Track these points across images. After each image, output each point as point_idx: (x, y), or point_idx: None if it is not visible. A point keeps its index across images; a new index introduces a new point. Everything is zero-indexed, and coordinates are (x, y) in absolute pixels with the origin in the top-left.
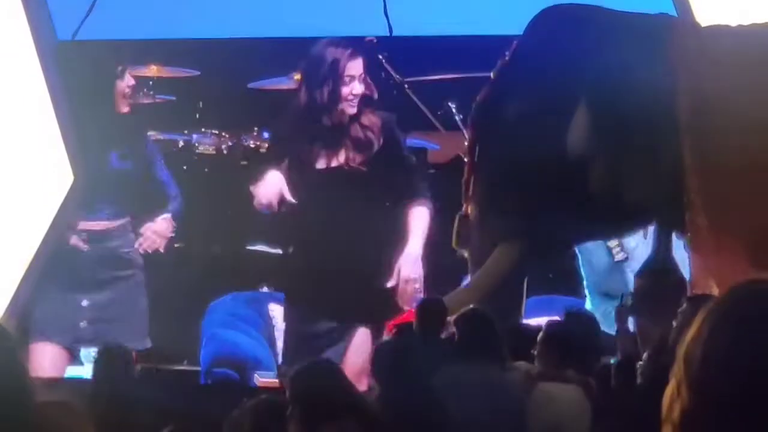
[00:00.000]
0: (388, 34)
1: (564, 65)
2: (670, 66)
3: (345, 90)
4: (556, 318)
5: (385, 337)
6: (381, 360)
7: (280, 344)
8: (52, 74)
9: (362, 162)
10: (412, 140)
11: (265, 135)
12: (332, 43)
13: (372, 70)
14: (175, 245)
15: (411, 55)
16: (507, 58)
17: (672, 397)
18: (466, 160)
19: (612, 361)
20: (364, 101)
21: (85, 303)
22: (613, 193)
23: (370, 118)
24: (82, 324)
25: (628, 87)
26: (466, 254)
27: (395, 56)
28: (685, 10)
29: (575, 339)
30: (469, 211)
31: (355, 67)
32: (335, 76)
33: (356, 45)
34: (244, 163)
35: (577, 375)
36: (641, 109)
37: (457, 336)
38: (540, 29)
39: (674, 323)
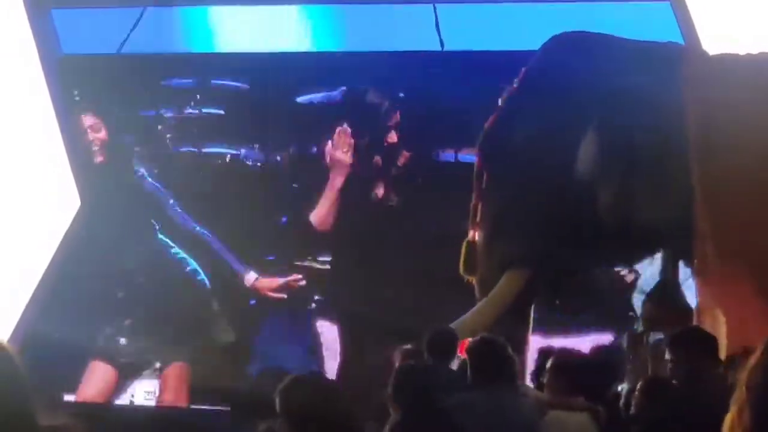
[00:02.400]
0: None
1: (573, 92)
2: (678, 93)
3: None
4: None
5: (400, 363)
6: (399, 385)
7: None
8: (56, 93)
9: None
10: (464, 156)
11: (314, 150)
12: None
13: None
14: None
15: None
16: (516, 84)
17: (733, 422)
18: (474, 185)
19: (620, 388)
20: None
21: None
22: (621, 220)
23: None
24: None
25: (637, 114)
26: (473, 280)
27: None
28: (692, 39)
29: (585, 366)
30: (476, 237)
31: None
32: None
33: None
34: (296, 186)
35: (585, 402)
36: (650, 137)
37: (470, 363)
38: (549, 56)
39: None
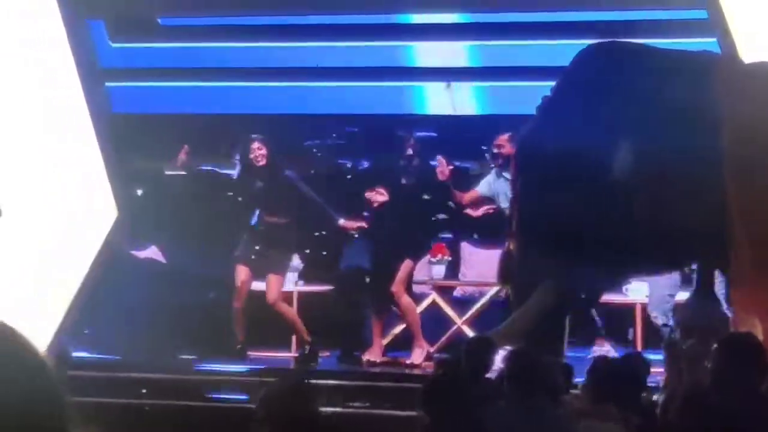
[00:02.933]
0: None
1: (607, 101)
2: (713, 102)
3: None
4: (606, 357)
5: (434, 371)
6: (431, 395)
7: None
8: (96, 110)
9: None
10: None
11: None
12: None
13: None
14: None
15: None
16: (550, 93)
17: None
18: (510, 195)
19: (655, 397)
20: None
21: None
22: (656, 229)
23: None
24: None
25: (672, 123)
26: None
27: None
28: (728, 47)
29: (620, 376)
30: (512, 247)
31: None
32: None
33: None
34: None
35: (619, 412)
36: (685, 146)
37: (506, 373)
38: (583, 65)
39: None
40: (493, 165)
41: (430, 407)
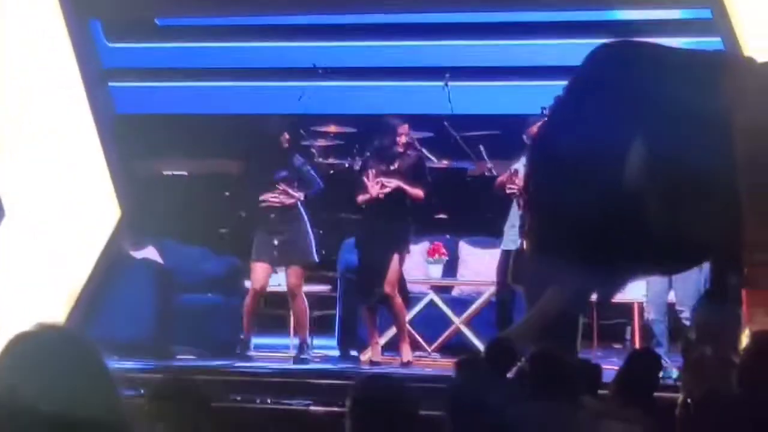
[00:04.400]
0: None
1: (619, 101)
2: (727, 101)
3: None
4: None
5: (456, 374)
6: (454, 397)
7: None
8: (100, 110)
9: None
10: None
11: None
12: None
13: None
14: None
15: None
16: (562, 93)
17: None
18: (523, 195)
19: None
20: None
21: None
22: (669, 229)
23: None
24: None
25: (685, 122)
26: (521, 289)
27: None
28: (733, 46)
29: (641, 378)
30: (525, 247)
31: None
32: None
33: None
34: None
35: (641, 414)
36: (697, 145)
37: (531, 372)
38: (595, 65)
39: (736, 360)
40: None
41: (453, 409)
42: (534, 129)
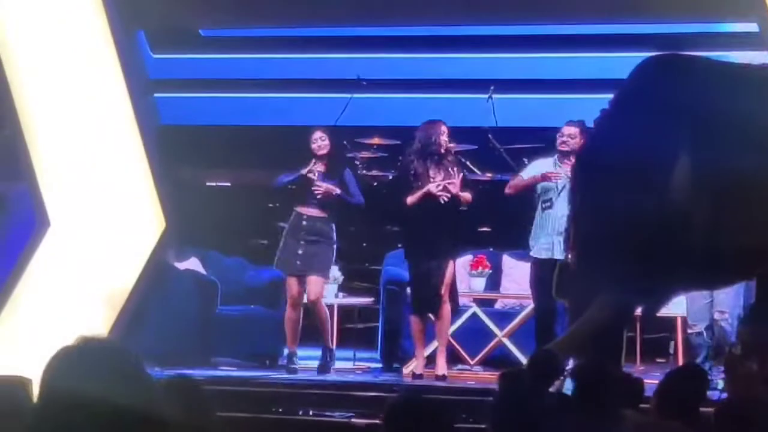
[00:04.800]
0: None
1: (666, 114)
2: None
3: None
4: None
5: (499, 386)
6: (497, 410)
7: None
8: (145, 120)
9: None
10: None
11: None
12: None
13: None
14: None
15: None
16: (609, 106)
17: None
18: (569, 209)
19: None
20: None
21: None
22: (716, 243)
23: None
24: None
25: (731, 137)
26: (566, 303)
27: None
28: None
29: (685, 392)
30: (570, 260)
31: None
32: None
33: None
34: None
35: (683, 427)
36: (745, 159)
37: (577, 385)
38: (643, 77)
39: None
40: (556, 154)
41: (495, 422)
42: (571, 132)
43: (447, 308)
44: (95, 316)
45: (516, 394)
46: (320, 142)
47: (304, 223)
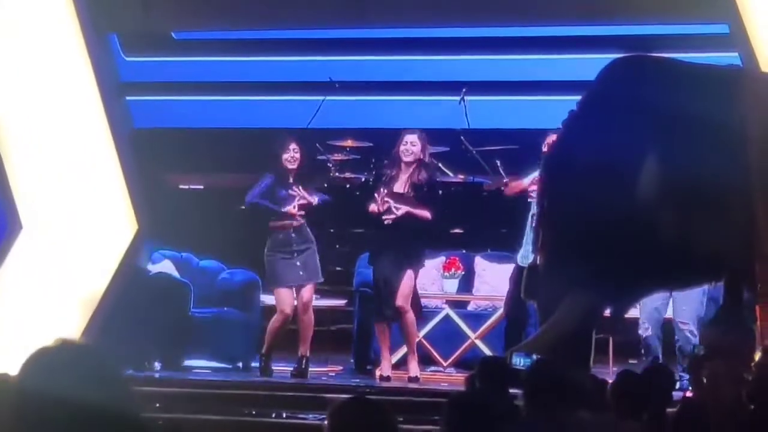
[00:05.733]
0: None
1: (633, 115)
2: (740, 116)
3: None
4: (631, 371)
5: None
6: (453, 412)
7: None
8: (117, 124)
9: None
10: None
11: None
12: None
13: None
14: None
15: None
16: (576, 108)
17: None
18: (535, 210)
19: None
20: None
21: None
22: (682, 244)
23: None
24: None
25: (699, 138)
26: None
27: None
28: (750, 61)
29: (652, 392)
30: (538, 262)
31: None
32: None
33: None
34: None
35: (642, 428)
36: (711, 160)
37: (526, 389)
38: (610, 79)
39: (748, 377)
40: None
41: (451, 424)
42: (549, 139)
43: (409, 317)
44: (68, 319)
45: (472, 397)
46: (293, 153)
47: (293, 235)
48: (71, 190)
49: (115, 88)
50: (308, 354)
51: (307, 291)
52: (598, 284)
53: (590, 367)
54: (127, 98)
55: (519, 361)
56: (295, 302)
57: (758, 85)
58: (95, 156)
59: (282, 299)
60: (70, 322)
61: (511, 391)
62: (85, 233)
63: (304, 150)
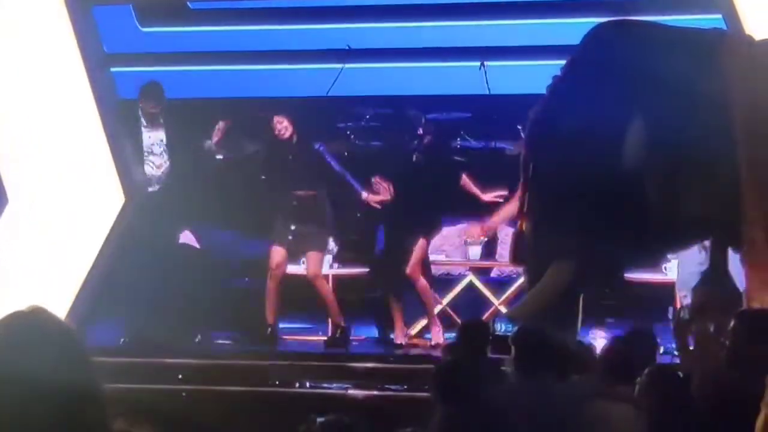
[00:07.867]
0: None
1: (618, 80)
2: (724, 79)
3: None
4: (617, 336)
5: (442, 356)
6: (438, 379)
7: None
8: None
9: None
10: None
11: None
12: None
13: None
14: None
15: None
16: (561, 73)
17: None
18: (521, 176)
19: None
20: None
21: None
22: (668, 208)
23: None
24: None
25: (683, 101)
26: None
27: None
28: (734, 24)
29: (634, 358)
30: (524, 228)
31: None
32: None
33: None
34: None
35: (632, 393)
36: (696, 123)
37: (513, 352)
38: (593, 44)
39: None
40: None
41: (438, 391)
42: None
43: (421, 284)
44: (56, 293)
45: (455, 363)
46: (279, 126)
47: (294, 203)
48: (57, 163)
49: (99, 59)
50: (343, 324)
51: (311, 258)
52: (584, 248)
53: (577, 331)
54: (113, 69)
55: (501, 327)
56: (300, 267)
57: (742, 48)
58: (81, 129)
59: (271, 257)
60: (58, 298)
61: (498, 356)
62: (72, 206)
63: (294, 120)
